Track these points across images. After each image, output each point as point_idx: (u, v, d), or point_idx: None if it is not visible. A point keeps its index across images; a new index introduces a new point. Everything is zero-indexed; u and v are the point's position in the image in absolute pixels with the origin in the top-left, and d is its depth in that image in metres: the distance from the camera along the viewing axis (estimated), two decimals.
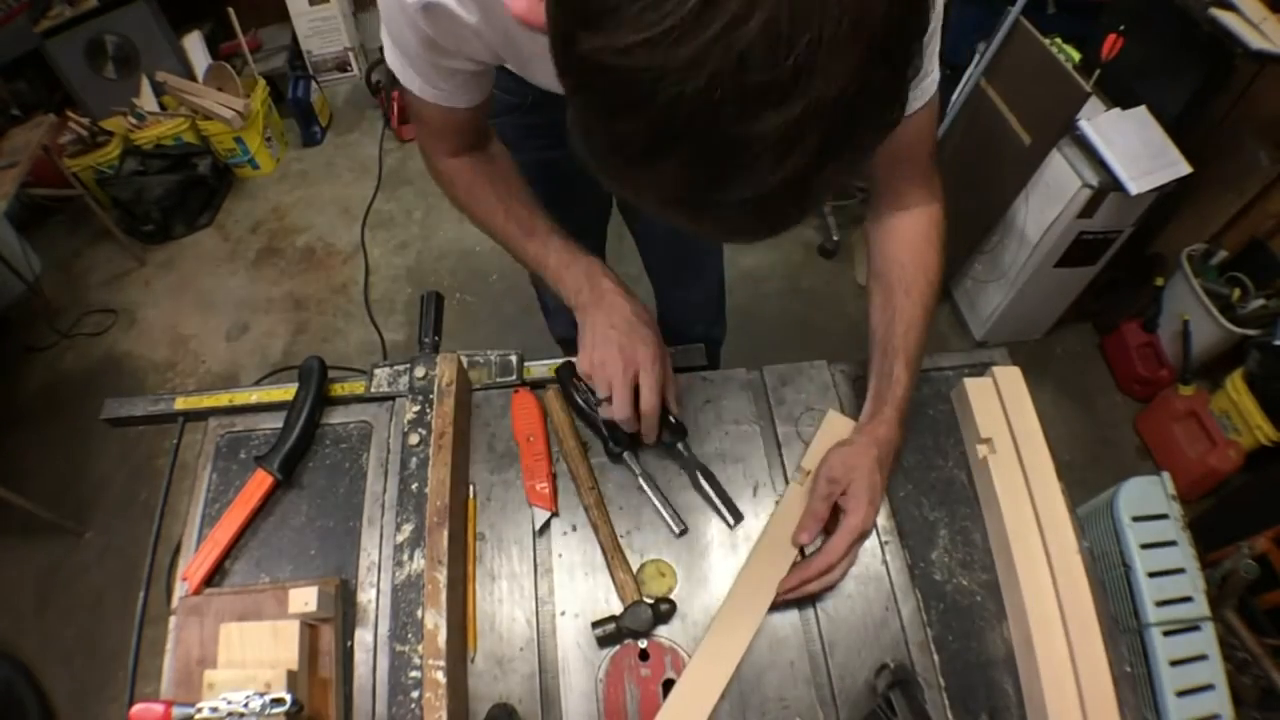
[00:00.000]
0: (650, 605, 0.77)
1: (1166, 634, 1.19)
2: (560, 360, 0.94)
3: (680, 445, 0.87)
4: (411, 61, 0.71)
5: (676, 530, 0.83)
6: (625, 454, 0.86)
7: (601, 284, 0.82)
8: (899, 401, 0.80)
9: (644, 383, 0.79)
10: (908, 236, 0.81)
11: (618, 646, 0.76)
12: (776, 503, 0.85)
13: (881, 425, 0.79)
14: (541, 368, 0.97)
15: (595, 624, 0.77)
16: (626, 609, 0.77)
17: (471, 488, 0.87)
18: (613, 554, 0.81)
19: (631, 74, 0.33)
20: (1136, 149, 1.69)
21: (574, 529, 0.84)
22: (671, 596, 0.80)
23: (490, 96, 0.81)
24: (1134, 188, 1.65)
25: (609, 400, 0.80)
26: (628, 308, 0.81)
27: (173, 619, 0.77)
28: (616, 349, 0.78)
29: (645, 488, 0.86)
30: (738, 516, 0.84)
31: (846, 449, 0.80)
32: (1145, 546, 1.24)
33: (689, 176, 0.36)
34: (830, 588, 0.78)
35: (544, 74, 0.77)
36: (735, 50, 0.31)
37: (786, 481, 0.87)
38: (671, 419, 0.85)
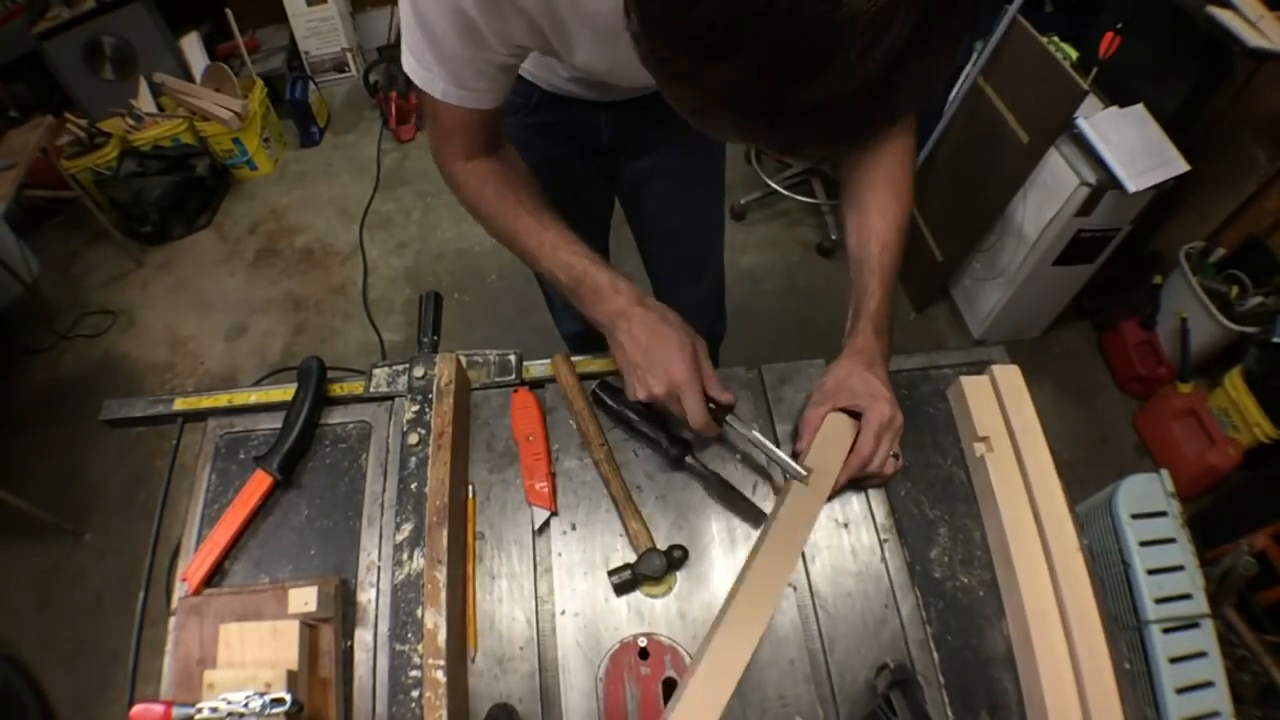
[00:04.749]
0: (663, 553, 0.79)
1: (1166, 631, 1.19)
2: (563, 351, 0.94)
3: (690, 457, 0.86)
4: (441, 59, 0.71)
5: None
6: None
7: (614, 302, 0.81)
8: (871, 313, 0.84)
9: (687, 407, 0.77)
10: (882, 161, 0.85)
11: (617, 644, 0.77)
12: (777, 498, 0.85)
13: (859, 336, 0.83)
14: (540, 367, 0.97)
15: (611, 571, 0.79)
16: (640, 556, 0.79)
17: (471, 487, 0.87)
18: (624, 504, 0.82)
19: None
20: (1134, 147, 1.69)
21: (573, 528, 0.84)
22: (672, 597, 0.80)
23: (505, 98, 0.81)
24: (1132, 186, 1.65)
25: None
26: (643, 324, 0.79)
27: (172, 619, 0.77)
28: (657, 376, 0.77)
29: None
30: (760, 516, 0.84)
31: (834, 365, 0.84)
32: (1144, 544, 1.25)
33: (768, 69, 0.33)
34: (885, 477, 0.82)
35: (584, 47, 0.75)
36: None
37: (786, 480, 0.87)
38: (713, 405, 0.82)
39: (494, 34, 0.68)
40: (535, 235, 0.83)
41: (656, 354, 0.77)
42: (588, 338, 1.56)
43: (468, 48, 0.70)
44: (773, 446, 0.81)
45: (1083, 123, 1.74)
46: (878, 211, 0.85)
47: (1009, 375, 0.89)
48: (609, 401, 0.90)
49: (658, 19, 0.36)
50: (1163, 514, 1.28)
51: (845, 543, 0.83)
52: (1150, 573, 1.22)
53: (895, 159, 0.86)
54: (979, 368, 0.93)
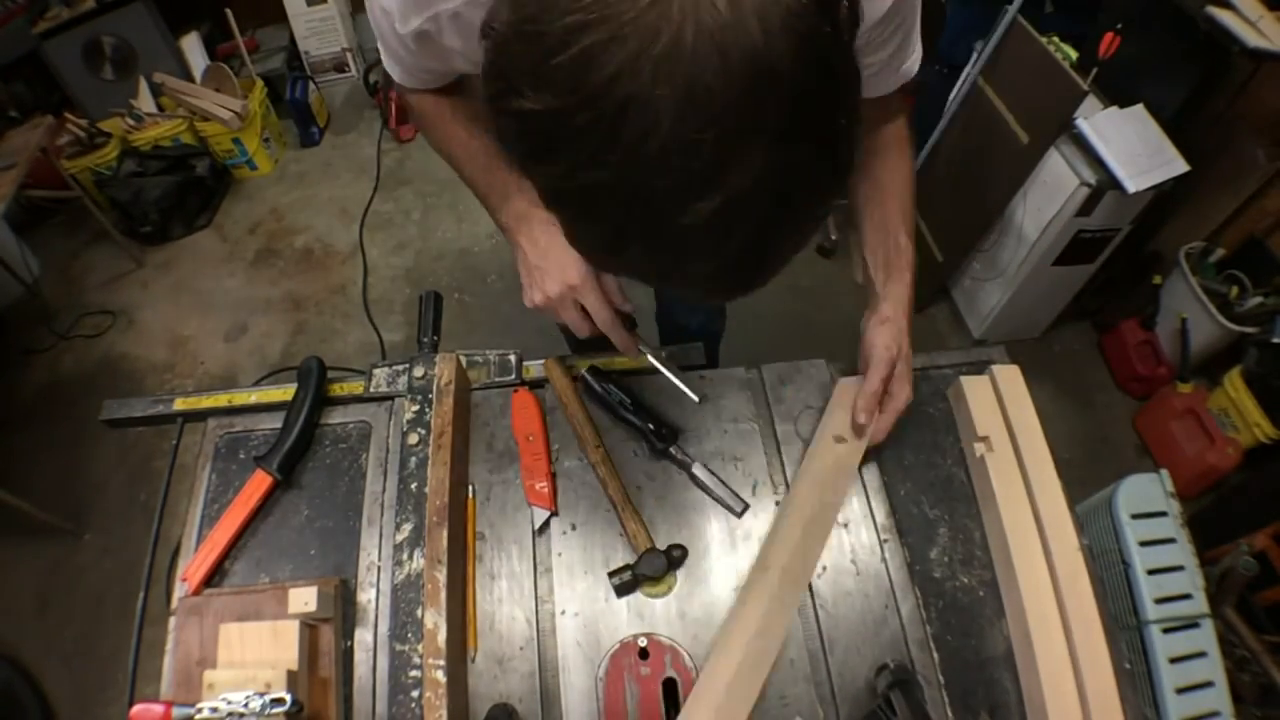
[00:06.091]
0: (663, 553, 0.79)
1: (1166, 631, 1.19)
2: (562, 352, 0.94)
3: (674, 449, 0.87)
4: (403, 65, 0.78)
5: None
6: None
7: (517, 203, 0.80)
8: (912, 264, 0.85)
9: (588, 304, 0.77)
10: (884, 138, 0.87)
11: (617, 644, 0.77)
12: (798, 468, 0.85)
13: (903, 288, 0.84)
14: (541, 367, 0.97)
15: (611, 573, 0.79)
16: (641, 556, 0.79)
17: (471, 487, 0.87)
18: (623, 506, 0.83)
19: (585, 193, 0.40)
20: (1134, 147, 1.69)
21: (573, 528, 0.84)
22: (672, 597, 0.80)
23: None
24: (1131, 186, 1.65)
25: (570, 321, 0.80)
26: (543, 227, 0.78)
27: (172, 619, 0.77)
28: (553, 277, 0.77)
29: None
30: (744, 505, 0.85)
31: (887, 326, 0.83)
32: (1144, 544, 1.25)
33: (655, 259, 0.43)
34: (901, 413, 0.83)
35: None
36: (649, 161, 0.36)
37: (786, 480, 0.87)
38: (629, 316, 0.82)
39: (439, 65, 0.75)
40: (464, 143, 0.85)
41: (554, 255, 0.77)
42: None
43: (423, 62, 0.75)
44: (671, 375, 0.83)
45: (1083, 123, 1.74)
46: (887, 171, 0.87)
47: (1009, 375, 0.89)
48: (595, 385, 0.90)
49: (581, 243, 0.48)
50: (1163, 514, 1.28)
51: (845, 543, 0.83)
52: (1150, 573, 1.22)
53: (895, 134, 0.87)
54: (979, 368, 0.93)
